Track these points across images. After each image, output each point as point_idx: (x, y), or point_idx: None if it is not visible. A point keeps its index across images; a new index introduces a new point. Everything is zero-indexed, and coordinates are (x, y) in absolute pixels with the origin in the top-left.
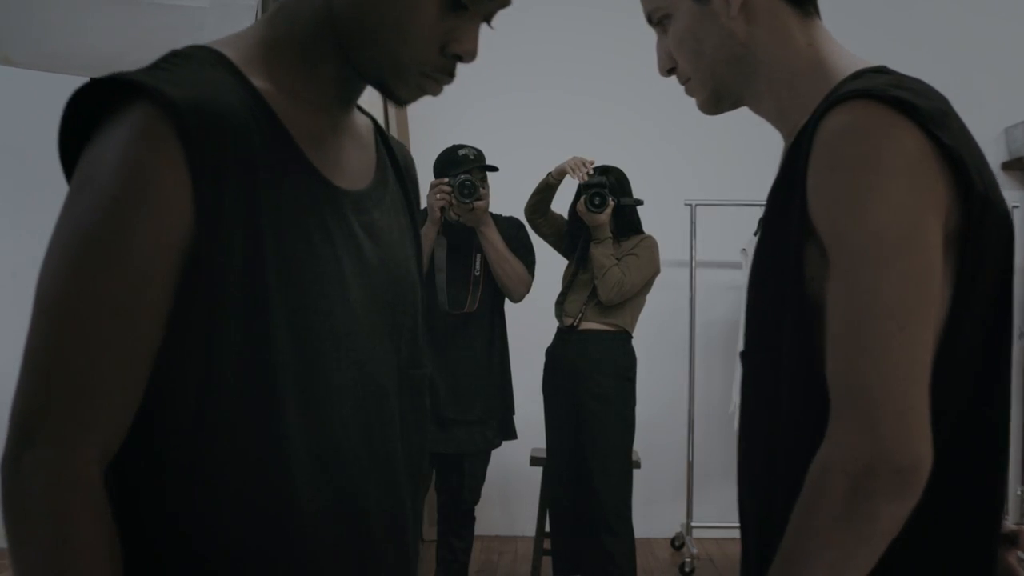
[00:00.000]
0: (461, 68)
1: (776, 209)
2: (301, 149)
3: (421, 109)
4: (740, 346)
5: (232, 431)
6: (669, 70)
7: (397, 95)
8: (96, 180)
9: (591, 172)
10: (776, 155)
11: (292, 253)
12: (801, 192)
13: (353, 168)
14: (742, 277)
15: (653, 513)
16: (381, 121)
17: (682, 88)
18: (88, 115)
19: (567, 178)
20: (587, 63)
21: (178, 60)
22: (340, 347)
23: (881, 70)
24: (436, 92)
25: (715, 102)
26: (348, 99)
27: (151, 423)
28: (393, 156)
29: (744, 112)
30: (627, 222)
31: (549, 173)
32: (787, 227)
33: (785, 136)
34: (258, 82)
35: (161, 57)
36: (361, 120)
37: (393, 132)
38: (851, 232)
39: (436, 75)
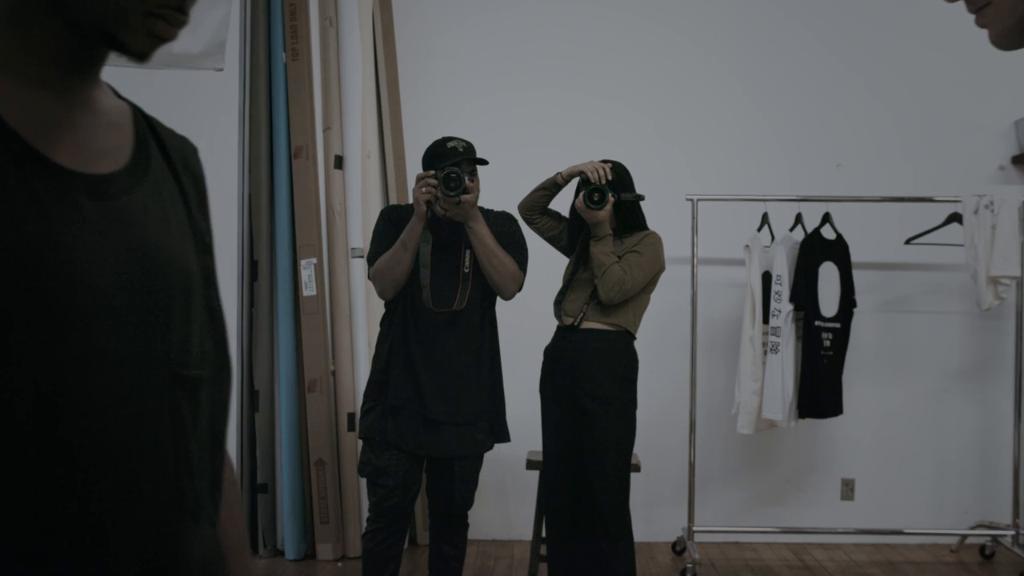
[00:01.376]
0: (456, 65)
1: None
2: (8, 124)
3: (416, 106)
4: (743, 344)
5: None
6: None
7: (129, 45)
8: None
9: (610, 178)
10: (781, 146)
11: None
12: None
13: (96, 149)
14: (745, 274)
15: (654, 516)
16: (372, 116)
17: (684, 79)
18: None
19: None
20: (584, 56)
21: None
22: (66, 344)
23: None
24: (172, 35)
25: (1019, 33)
26: (77, 68)
27: None
28: (161, 143)
29: (747, 104)
30: (630, 218)
31: (559, 173)
32: None
33: None
34: None
35: None
36: (113, 102)
37: (387, 129)
38: None
39: (163, 12)
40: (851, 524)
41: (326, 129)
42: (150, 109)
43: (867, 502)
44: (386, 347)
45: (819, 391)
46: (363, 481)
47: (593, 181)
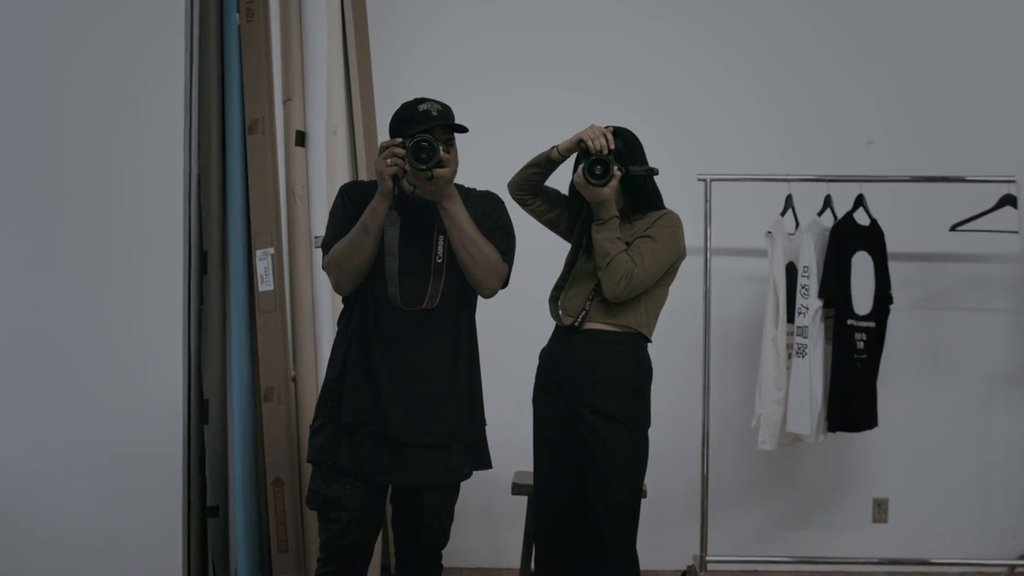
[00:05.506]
0: (435, 29)
1: None
2: None
3: (389, 76)
4: (764, 346)
5: None
6: None
7: None
8: None
9: (612, 146)
10: (806, 121)
11: None
12: None
13: None
14: (767, 266)
15: (661, 542)
16: (340, 86)
17: (694, 46)
18: None
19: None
20: (588, 12)
21: None
22: None
23: None
24: None
25: None
26: None
27: None
28: None
29: (767, 74)
30: (641, 196)
31: (555, 147)
32: None
33: None
34: None
35: None
36: None
37: (355, 101)
38: None
39: None
40: (884, 550)
41: (286, 101)
42: (82, 71)
43: (902, 525)
44: (342, 352)
45: (852, 400)
46: None
47: (594, 151)
